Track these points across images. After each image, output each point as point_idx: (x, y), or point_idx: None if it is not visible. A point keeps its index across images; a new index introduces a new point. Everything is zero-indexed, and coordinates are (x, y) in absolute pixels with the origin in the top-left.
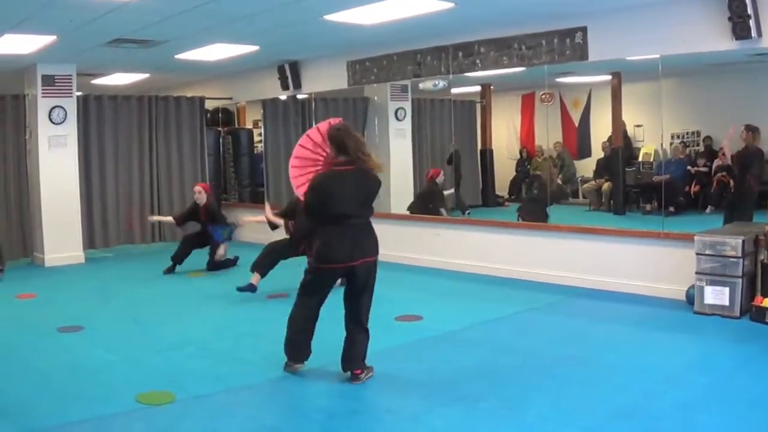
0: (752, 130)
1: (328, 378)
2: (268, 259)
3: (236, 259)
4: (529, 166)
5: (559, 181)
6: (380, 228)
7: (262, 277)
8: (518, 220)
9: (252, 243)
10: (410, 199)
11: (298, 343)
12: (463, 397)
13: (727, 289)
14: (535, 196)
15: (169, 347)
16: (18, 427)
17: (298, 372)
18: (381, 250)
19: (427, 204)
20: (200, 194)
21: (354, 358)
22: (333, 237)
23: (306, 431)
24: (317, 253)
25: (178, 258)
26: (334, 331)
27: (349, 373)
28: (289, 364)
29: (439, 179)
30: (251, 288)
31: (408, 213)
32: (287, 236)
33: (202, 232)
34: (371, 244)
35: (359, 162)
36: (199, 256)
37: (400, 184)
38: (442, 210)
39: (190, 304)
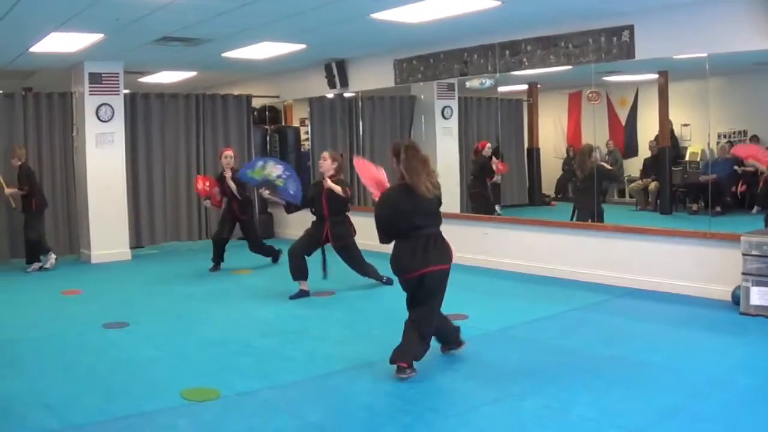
0: None
1: (373, 376)
2: (299, 264)
3: (279, 252)
4: (575, 165)
5: (607, 166)
6: None
7: (305, 279)
8: (573, 215)
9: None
10: (457, 197)
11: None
12: (507, 396)
13: None
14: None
15: (214, 344)
16: (64, 422)
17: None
18: None
19: (484, 176)
20: (228, 159)
21: (399, 350)
22: (404, 249)
23: (350, 429)
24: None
25: (217, 246)
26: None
27: (395, 366)
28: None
29: (486, 151)
30: (304, 293)
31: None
32: (302, 235)
33: (230, 208)
34: (442, 253)
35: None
36: (243, 254)
37: (446, 182)
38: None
39: (234, 301)
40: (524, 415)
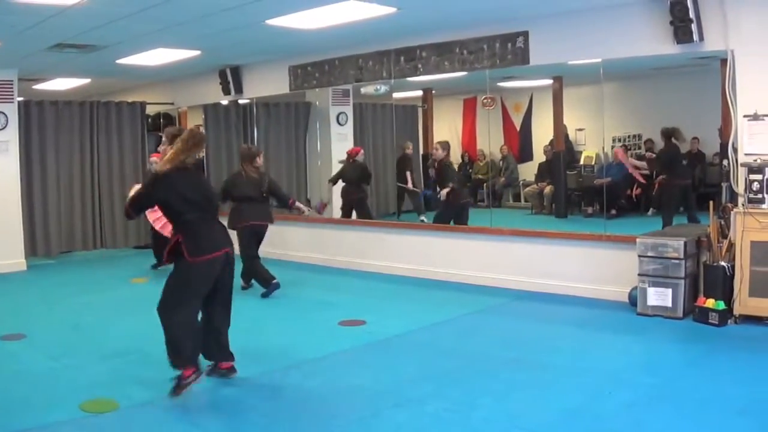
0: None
1: (271, 383)
2: (257, 267)
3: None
4: (471, 170)
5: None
6: (322, 233)
7: (273, 278)
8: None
9: None
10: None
11: None
12: (409, 400)
13: (669, 291)
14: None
15: (113, 354)
16: None
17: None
18: (323, 255)
19: (361, 180)
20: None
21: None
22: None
23: None
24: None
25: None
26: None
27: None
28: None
29: (359, 157)
30: (276, 286)
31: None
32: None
33: None
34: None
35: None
36: (141, 263)
37: (340, 189)
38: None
39: (132, 311)
40: (426, 419)
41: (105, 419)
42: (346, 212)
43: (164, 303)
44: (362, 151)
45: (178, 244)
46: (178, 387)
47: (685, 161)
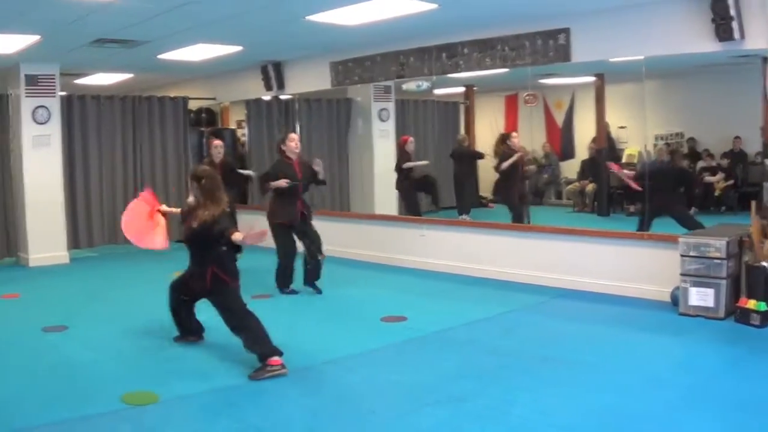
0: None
1: (314, 379)
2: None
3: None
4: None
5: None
6: (365, 229)
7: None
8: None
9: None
10: (394, 199)
11: None
12: (448, 397)
13: (711, 291)
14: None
15: (155, 347)
16: (3, 427)
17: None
18: (366, 251)
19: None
20: (219, 148)
21: None
22: None
23: (291, 431)
24: None
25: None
26: (315, 332)
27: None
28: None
29: (408, 146)
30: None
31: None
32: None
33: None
34: None
35: None
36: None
37: (383, 184)
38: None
39: None
40: (465, 416)
41: (145, 411)
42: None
43: (239, 305)
44: (411, 139)
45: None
46: (262, 371)
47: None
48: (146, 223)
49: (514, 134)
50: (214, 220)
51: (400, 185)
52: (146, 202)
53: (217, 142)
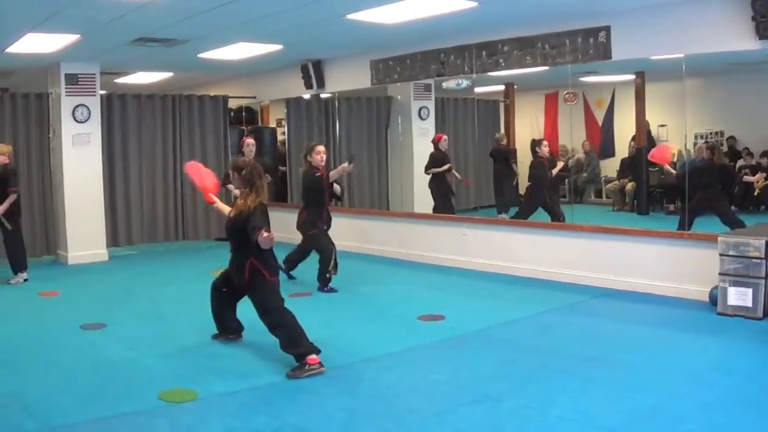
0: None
1: (351, 377)
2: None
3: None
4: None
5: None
6: (404, 227)
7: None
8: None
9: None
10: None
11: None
12: (485, 397)
13: (750, 291)
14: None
15: (192, 345)
16: (40, 424)
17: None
18: (406, 250)
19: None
20: (251, 146)
21: None
22: None
23: (328, 430)
24: None
25: None
26: (363, 332)
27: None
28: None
29: (441, 144)
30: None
31: (432, 213)
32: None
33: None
34: None
35: None
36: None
37: (423, 183)
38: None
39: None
40: (503, 416)
41: (183, 409)
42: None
43: (276, 303)
44: (444, 137)
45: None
46: (300, 370)
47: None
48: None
49: (544, 143)
50: (250, 212)
51: (431, 184)
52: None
53: (249, 141)
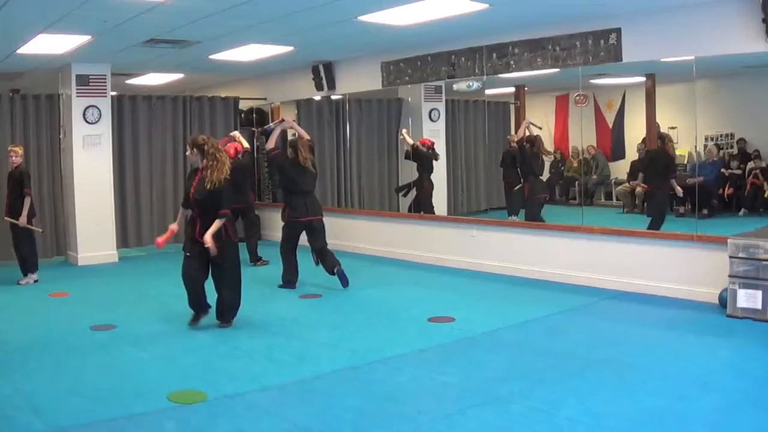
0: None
1: (361, 378)
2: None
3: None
4: (563, 168)
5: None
6: (414, 229)
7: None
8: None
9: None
10: (444, 199)
11: None
12: (495, 398)
13: (759, 293)
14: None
15: (201, 346)
16: (50, 425)
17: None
18: (415, 251)
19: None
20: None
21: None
22: None
23: (338, 431)
24: None
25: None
26: (374, 332)
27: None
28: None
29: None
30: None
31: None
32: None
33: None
34: None
35: None
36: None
37: (434, 184)
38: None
39: None
40: (512, 417)
41: (193, 410)
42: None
43: (238, 261)
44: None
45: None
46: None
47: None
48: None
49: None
50: (222, 185)
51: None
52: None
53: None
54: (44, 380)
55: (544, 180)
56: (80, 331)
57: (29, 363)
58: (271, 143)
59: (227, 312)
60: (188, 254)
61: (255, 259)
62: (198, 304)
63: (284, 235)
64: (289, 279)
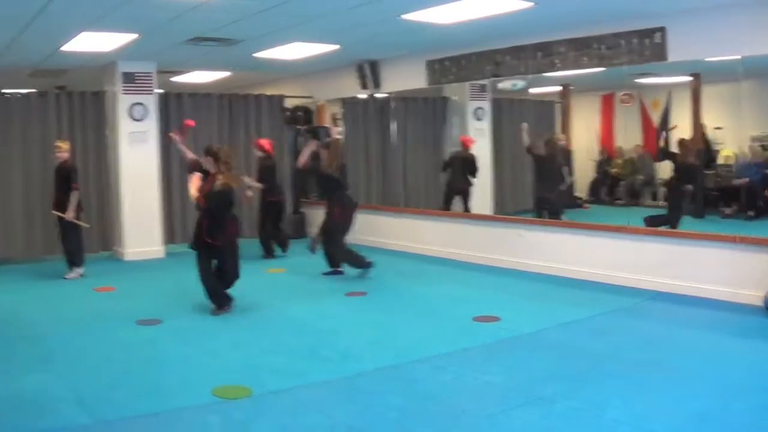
0: None
1: (405, 377)
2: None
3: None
4: (608, 168)
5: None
6: (460, 228)
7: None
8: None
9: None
10: (489, 199)
11: None
12: (539, 399)
13: None
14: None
15: (246, 342)
16: (95, 417)
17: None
18: (461, 251)
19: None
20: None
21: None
22: None
23: (380, 429)
24: None
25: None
26: (418, 331)
27: None
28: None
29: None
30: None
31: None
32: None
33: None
34: None
35: None
36: (279, 250)
37: (479, 184)
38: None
39: (267, 300)
40: (555, 418)
41: (237, 405)
42: (446, 201)
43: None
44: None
45: None
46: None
47: None
48: None
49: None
50: (231, 189)
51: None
52: None
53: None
54: (89, 374)
55: (590, 180)
56: (126, 325)
57: (75, 356)
58: (302, 159)
59: (231, 283)
60: (198, 252)
61: (277, 249)
62: (216, 294)
63: (338, 228)
64: (361, 261)
